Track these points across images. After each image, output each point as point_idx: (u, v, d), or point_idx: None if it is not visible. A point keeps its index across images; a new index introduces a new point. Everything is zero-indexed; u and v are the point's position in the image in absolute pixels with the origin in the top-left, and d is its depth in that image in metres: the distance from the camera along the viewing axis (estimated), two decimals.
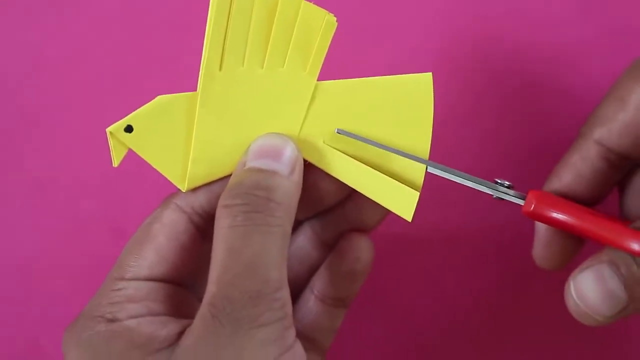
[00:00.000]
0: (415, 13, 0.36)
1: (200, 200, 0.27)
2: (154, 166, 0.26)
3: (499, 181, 0.27)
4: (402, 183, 0.27)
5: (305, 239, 0.30)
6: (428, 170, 0.27)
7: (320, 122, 0.27)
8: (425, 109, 0.27)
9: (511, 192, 0.27)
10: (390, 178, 0.27)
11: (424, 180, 0.27)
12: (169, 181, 0.27)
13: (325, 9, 0.26)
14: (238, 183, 0.25)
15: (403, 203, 0.27)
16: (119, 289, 0.25)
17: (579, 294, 0.25)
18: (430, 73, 0.27)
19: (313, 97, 0.27)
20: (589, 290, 0.25)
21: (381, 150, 0.27)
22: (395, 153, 0.27)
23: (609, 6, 0.35)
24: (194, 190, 0.27)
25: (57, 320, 0.28)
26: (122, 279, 0.25)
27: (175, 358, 0.23)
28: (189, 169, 0.26)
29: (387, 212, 0.28)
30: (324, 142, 0.27)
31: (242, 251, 0.23)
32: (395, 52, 0.36)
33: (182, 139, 0.26)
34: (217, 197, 0.25)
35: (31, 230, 0.37)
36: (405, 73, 0.27)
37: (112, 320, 0.24)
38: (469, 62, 0.36)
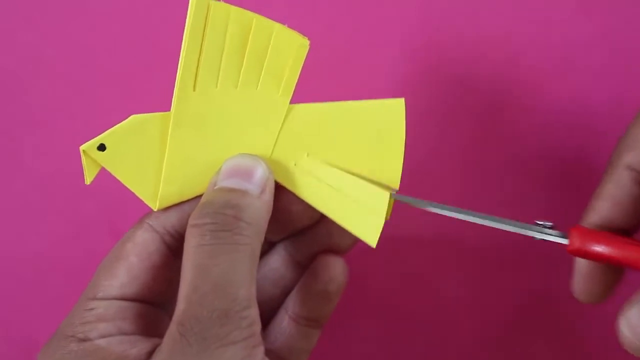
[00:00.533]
0: (412, 15, 0.36)
1: (172, 220, 0.27)
2: (126, 185, 0.27)
3: (541, 222, 0.27)
4: (369, 209, 0.27)
5: (279, 260, 0.30)
6: (449, 215, 0.27)
7: (292, 144, 0.27)
8: (397, 135, 0.27)
9: (553, 232, 0.27)
10: (357, 204, 0.27)
11: (392, 208, 0.27)
12: None
13: (299, 31, 0.26)
14: (208, 202, 0.25)
15: (368, 229, 0.27)
16: (90, 309, 0.25)
17: (631, 329, 0.25)
18: (403, 99, 0.27)
19: (286, 119, 0.27)
20: None
21: (350, 177, 0.27)
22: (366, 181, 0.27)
23: (609, 6, 0.35)
24: (166, 210, 0.27)
25: (57, 321, 0.28)
26: (94, 298, 0.26)
27: None
28: (160, 188, 0.27)
29: (353, 242, 0.28)
30: (295, 164, 0.27)
31: (210, 270, 0.23)
32: (384, 55, 0.36)
33: (155, 158, 0.27)
34: (189, 217, 0.25)
35: (31, 231, 0.37)
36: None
37: (83, 340, 0.24)
38: (468, 64, 0.36)
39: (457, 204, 0.27)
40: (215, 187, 0.26)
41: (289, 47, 0.26)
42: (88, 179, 0.26)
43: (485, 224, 0.27)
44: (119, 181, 0.36)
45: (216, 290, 0.23)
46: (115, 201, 0.36)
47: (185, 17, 0.26)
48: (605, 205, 0.27)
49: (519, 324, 0.37)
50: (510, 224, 0.27)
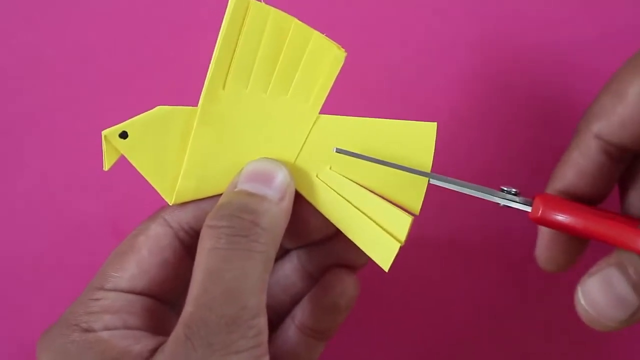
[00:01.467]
0: (414, 16, 0.36)
1: (187, 217, 0.27)
2: (144, 175, 0.26)
3: (505, 189, 0.27)
4: (386, 232, 0.26)
5: (291, 268, 0.30)
6: (431, 182, 0.27)
7: (316, 155, 0.27)
8: (425, 158, 0.27)
9: (518, 198, 0.26)
10: (375, 225, 0.26)
11: (409, 232, 0.26)
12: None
13: (336, 41, 0.26)
14: (226, 204, 0.25)
15: (383, 251, 0.26)
16: (97, 299, 0.25)
17: (587, 300, 0.24)
18: (435, 123, 0.27)
19: (312, 129, 0.27)
20: (598, 295, 0.24)
21: (371, 196, 0.27)
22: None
23: (609, 5, 0.36)
24: (183, 205, 0.27)
25: None
26: (102, 288, 0.25)
27: None
28: (178, 183, 0.26)
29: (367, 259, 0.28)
30: (317, 176, 0.27)
31: (222, 275, 0.23)
32: (397, 56, 0.36)
33: (176, 152, 0.26)
34: (206, 215, 0.25)
35: (32, 231, 0.37)
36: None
37: (87, 330, 0.24)
38: (469, 65, 0.36)
39: None
40: (235, 190, 0.25)
41: (324, 57, 0.26)
42: (106, 165, 0.26)
43: (446, 186, 0.26)
44: (121, 182, 0.36)
45: (226, 296, 0.22)
46: (117, 201, 0.36)
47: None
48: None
49: (524, 324, 0.37)
50: (473, 189, 0.26)
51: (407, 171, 0.26)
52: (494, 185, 0.27)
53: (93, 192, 0.36)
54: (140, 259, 0.26)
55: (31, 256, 0.37)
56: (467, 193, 0.27)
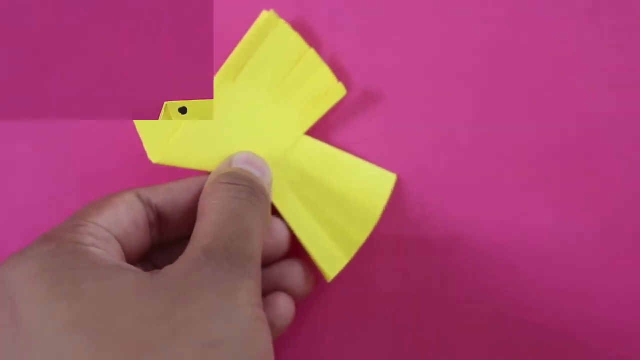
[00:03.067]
0: (414, 16, 0.36)
1: (157, 199, 0.27)
2: (139, 131, 0.27)
3: None
4: (337, 248, 0.29)
5: None
6: None
7: (289, 166, 0.30)
8: (377, 204, 0.30)
9: None
10: (329, 239, 0.29)
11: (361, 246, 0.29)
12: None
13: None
14: (235, 172, 0.27)
15: (331, 263, 0.29)
16: (79, 224, 0.24)
17: None
18: (395, 175, 0.30)
19: (294, 144, 0.30)
20: None
21: (330, 212, 0.29)
22: None
23: (609, 5, 0.36)
24: (154, 187, 0.28)
25: None
26: (83, 219, 0.25)
27: (163, 278, 0.22)
28: (167, 147, 0.27)
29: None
30: (285, 185, 0.29)
31: (243, 218, 0.24)
32: (397, 53, 0.36)
33: (174, 120, 0.28)
34: (173, 201, 0.27)
35: (34, 232, 0.37)
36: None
37: (77, 243, 0.23)
38: (467, 66, 0.36)
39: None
40: (234, 166, 0.27)
41: (326, 88, 0.29)
42: None
43: None
44: (121, 181, 0.36)
45: (246, 235, 0.24)
46: None
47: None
48: None
49: (527, 324, 0.37)
50: None
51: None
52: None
53: (93, 192, 0.36)
54: (117, 211, 0.26)
55: None
56: None
